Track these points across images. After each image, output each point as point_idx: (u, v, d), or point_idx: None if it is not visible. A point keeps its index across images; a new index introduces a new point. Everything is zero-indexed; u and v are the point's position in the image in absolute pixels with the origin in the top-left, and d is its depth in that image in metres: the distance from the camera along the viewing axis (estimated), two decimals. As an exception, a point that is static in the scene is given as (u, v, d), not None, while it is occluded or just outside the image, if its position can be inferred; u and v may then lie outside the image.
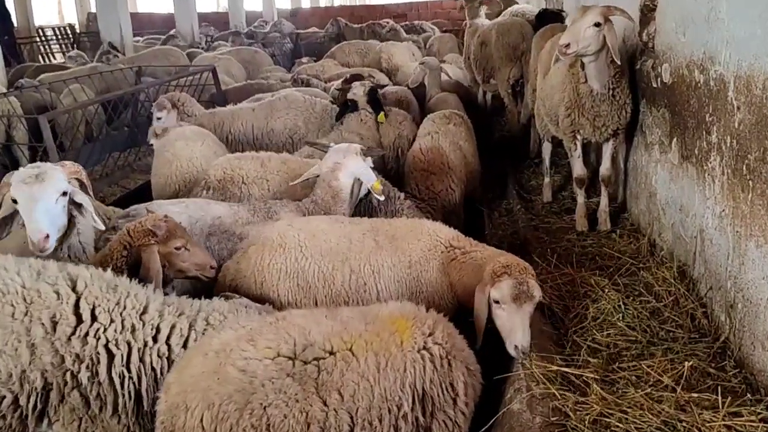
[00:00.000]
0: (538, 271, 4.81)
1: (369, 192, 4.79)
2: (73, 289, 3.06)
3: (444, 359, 2.98)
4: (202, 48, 17.33)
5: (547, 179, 7.02)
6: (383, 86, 8.30)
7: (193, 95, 8.74)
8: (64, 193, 3.71)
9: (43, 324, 2.94)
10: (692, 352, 3.82)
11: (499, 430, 3.24)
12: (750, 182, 3.59)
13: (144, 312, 3.12)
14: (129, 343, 3.04)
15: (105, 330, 3.01)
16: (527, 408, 3.23)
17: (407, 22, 20.09)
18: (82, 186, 3.97)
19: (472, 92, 10.56)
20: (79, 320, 3.01)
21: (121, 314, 3.07)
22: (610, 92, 5.38)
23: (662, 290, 4.45)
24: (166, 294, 3.41)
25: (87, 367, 2.97)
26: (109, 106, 8.47)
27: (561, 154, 7.46)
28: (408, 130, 6.90)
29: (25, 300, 2.96)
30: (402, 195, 5.30)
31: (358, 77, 7.47)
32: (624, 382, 3.51)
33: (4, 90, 9.54)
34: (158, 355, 3.08)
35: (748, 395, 3.42)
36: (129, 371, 3.03)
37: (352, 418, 2.72)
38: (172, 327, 3.12)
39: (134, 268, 3.67)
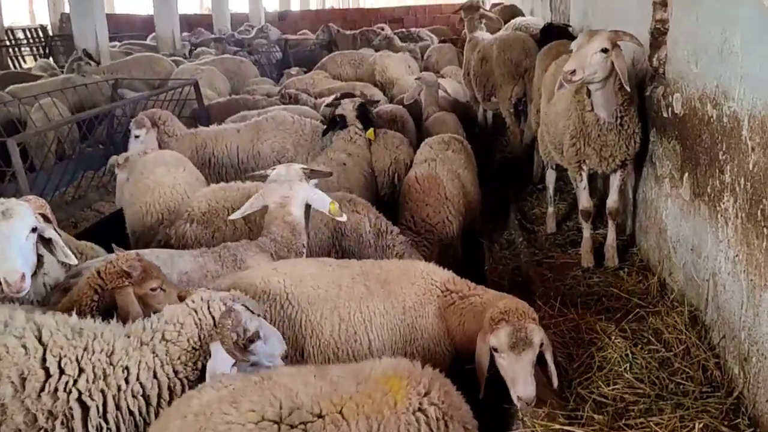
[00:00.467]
0: (541, 315, 4.84)
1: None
2: (40, 341, 3.01)
3: (440, 420, 2.98)
4: (184, 55, 17.38)
5: (551, 209, 7.06)
6: (375, 102, 8.34)
7: (173, 110, 8.78)
8: (34, 229, 3.70)
9: (12, 382, 2.90)
10: (704, 408, 3.86)
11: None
12: (765, 229, 3.64)
13: (112, 353, 3.08)
14: (103, 392, 3.00)
15: (75, 382, 2.98)
16: (528, 471, 3.25)
17: (403, 29, 20.19)
18: (47, 222, 3.93)
19: (472, 110, 10.64)
20: (48, 374, 2.98)
21: (90, 360, 3.03)
22: (618, 121, 5.44)
23: (672, 338, 4.50)
24: None
25: (62, 423, 2.94)
26: (84, 125, 8.46)
27: (566, 180, 7.52)
28: (405, 155, 6.94)
29: None
30: (395, 229, 5.32)
31: (348, 96, 7.52)
32: (631, 442, 3.54)
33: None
34: (133, 396, 3.06)
35: (763, 458, 3.45)
36: (107, 422, 3.00)
37: (342, 486, 2.72)
38: (139, 363, 3.09)
39: (105, 313, 3.64)
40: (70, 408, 2.95)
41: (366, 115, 6.83)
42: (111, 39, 17.21)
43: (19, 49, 21.62)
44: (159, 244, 5.24)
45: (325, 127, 7.06)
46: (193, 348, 3.20)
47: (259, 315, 3.34)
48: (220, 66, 12.81)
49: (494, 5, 20.16)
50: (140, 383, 3.08)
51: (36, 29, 23.07)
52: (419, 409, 2.95)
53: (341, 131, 6.74)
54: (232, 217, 4.68)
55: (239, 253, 4.42)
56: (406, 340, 3.83)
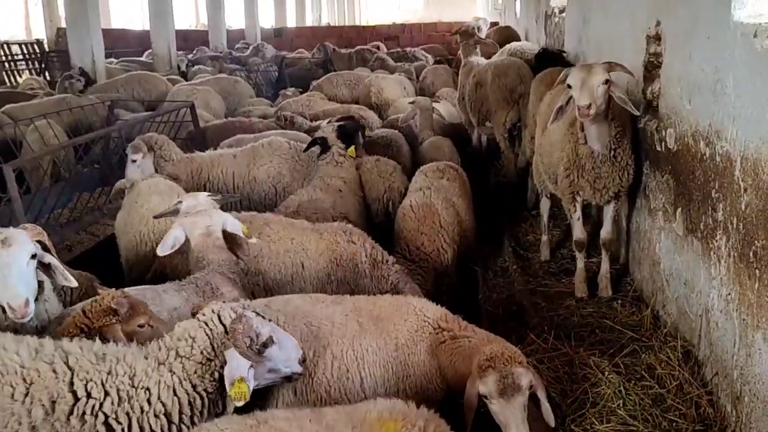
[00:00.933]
0: (534, 349, 4.91)
1: None
2: (67, 366, 3.11)
3: (436, 462, 3.00)
4: (182, 72, 17.41)
5: (545, 237, 7.10)
6: (364, 128, 8.34)
7: (169, 132, 8.80)
8: (33, 256, 3.76)
9: (43, 405, 2.99)
10: (696, 447, 3.88)
11: None
12: (757, 271, 3.67)
13: (134, 375, 3.17)
14: (128, 414, 3.11)
15: (101, 405, 3.07)
16: None
17: (399, 49, 20.28)
18: (45, 249, 3.99)
19: (466, 132, 10.68)
20: (75, 397, 3.06)
21: (115, 384, 3.13)
22: (612, 153, 5.49)
23: (665, 373, 4.52)
24: None
25: None
26: (80, 148, 8.46)
27: (560, 207, 7.54)
28: (398, 182, 6.95)
29: (24, 380, 3.01)
30: (391, 259, 5.28)
31: (349, 119, 7.57)
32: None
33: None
34: (155, 416, 3.15)
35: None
36: None
37: None
38: (158, 383, 3.17)
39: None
40: (97, 431, 3.04)
41: (346, 132, 6.79)
42: (107, 54, 17.20)
43: (15, 64, 21.62)
44: (155, 274, 5.25)
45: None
46: (208, 359, 3.24)
47: (270, 320, 3.38)
48: (215, 86, 12.82)
49: (493, 24, 20.35)
50: (161, 402, 3.15)
51: (32, 44, 23.08)
52: (414, 453, 2.96)
53: (326, 155, 6.71)
54: (160, 253, 4.68)
55: (213, 282, 4.43)
56: (399, 378, 3.83)
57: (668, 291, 5.20)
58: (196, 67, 17.66)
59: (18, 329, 3.62)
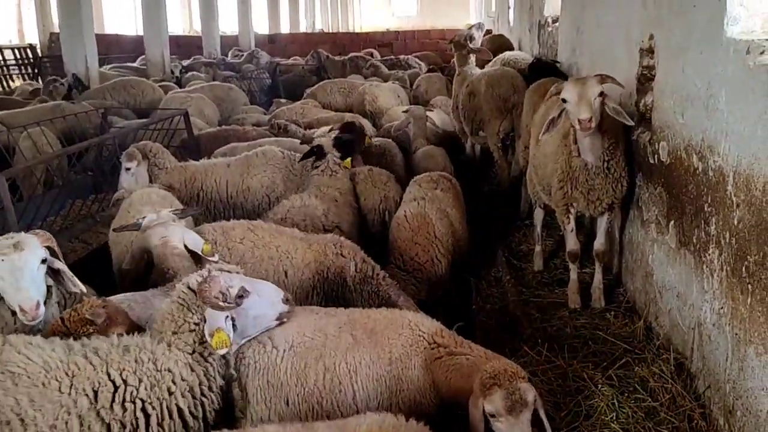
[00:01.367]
0: (528, 361, 4.91)
1: None
2: (101, 358, 3.31)
3: (427, 478, 3.00)
4: (176, 77, 17.39)
5: (538, 247, 7.11)
6: (365, 136, 8.35)
7: (163, 140, 8.79)
8: (44, 261, 3.89)
9: (87, 395, 3.19)
10: (689, 461, 3.89)
11: None
12: (749, 286, 3.69)
13: (156, 359, 3.37)
14: (159, 400, 3.32)
15: (137, 391, 3.29)
16: None
17: (392, 56, 20.32)
18: (54, 255, 4.10)
19: (460, 142, 10.70)
20: (115, 385, 3.26)
21: (143, 371, 3.33)
22: (605, 165, 5.51)
23: (658, 386, 4.53)
24: None
25: None
26: (74, 156, 8.45)
27: (553, 216, 7.54)
28: (394, 191, 6.95)
29: (67, 374, 3.20)
30: (382, 274, 5.23)
31: (350, 126, 7.58)
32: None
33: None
34: (182, 395, 3.38)
35: None
36: (163, 429, 3.33)
37: None
38: (177, 362, 3.39)
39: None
40: (136, 417, 3.28)
41: (343, 143, 6.79)
42: (100, 60, 17.17)
43: (8, 69, 21.58)
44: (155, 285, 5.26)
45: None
46: (195, 324, 3.43)
47: (239, 273, 3.61)
48: (209, 93, 12.82)
49: (486, 32, 20.40)
50: (183, 379, 3.38)
51: (25, 49, 23.04)
52: (407, 468, 2.96)
53: (320, 163, 6.70)
54: (125, 266, 4.98)
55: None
56: (392, 391, 3.82)
57: (661, 303, 5.22)
58: (190, 73, 17.66)
59: (26, 333, 3.71)
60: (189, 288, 3.48)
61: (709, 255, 4.27)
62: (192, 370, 3.40)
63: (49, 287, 3.97)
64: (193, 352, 3.42)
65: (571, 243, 6.04)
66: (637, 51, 5.75)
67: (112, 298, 4.31)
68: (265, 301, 3.63)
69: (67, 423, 3.12)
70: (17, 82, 21.17)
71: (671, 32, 4.99)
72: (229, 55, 22.67)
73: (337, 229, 6.15)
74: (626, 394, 4.50)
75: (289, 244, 5.20)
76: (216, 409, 3.55)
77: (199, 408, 3.44)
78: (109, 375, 3.26)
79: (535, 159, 6.48)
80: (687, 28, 4.67)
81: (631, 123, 5.33)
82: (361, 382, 3.80)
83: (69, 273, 4.06)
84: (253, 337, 3.80)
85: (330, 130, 8.13)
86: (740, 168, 3.80)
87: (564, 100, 5.24)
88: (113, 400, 3.22)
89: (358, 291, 5.09)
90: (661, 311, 5.22)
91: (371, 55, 19.41)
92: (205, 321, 3.40)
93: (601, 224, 5.93)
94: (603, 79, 5.30)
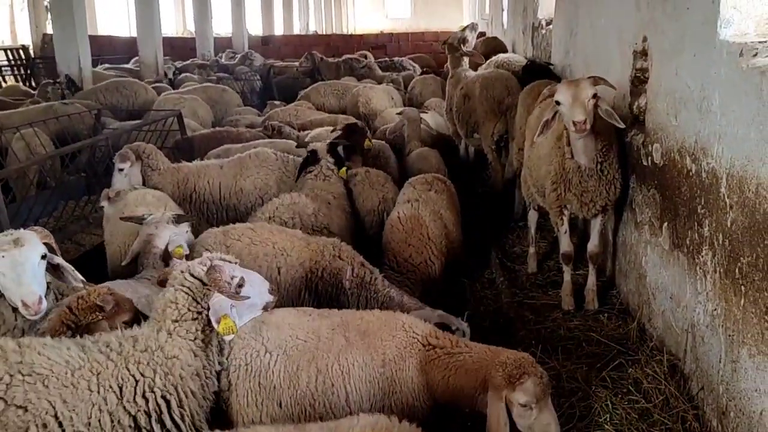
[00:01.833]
0: (522, 363, 4.90)
1: None
2: (117, 354, 3.37)
3: (420, 479, 3.00)
4: (169, 79, 17.35)
5: (532, 249, 7.12)
6: (366, 138, 8.33)
7: (156, 141, 8.77)
8: (43, 256, 3.94)
9: (114, 391, 3.27)
10: (683, 462, 3.90)
11: None
12: (742, 287, 3.70)
13: (162, 347, 3.43)
14: (174, 386, 3.40)
15: (153, 382, 3.36)
16: None
17: (386, 58, 20.33)
18: (52, 251, 4.14)
19: (454, 144, 10.71)
20: (135, 379, 3.34)
21: (155, 361, 3.39)
22: (598, 167, 5.51)
23: (652, 387, 4.54)
24: None
25: (156, 421, 3.35)
26: (68, 158, 8.42)
27: (547, 218, 7.55)
28: (391, 192, 6.96)
29: (92, 372, 3.26)
30: (380, 279, 5.18)
31: (352, 126, 7.59)
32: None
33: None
34: (191, 378, 3.46)
35: None
36: (184, 409, 3.43)
37: None
38: (181, 348, 3.44)
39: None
40: (158, 405, 3.36)
41: (338, 152, 6.81)
42: (93, 61, 17.13)
43: (0, 70, 21.48)
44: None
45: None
46: (198, 313, 3.49)
47: (235, 263, 3.70)
48: (202, 94, 12.80)
49: (480, 34, 20.42)
50: (189, 365, 3.44)
51: (18, 50, 22.94)
52: (400, 469, 2.96)
53: (314, 168, 6.71)
54: (125, 262, 5.35)
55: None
56: (385, 393, 3.82)
57: (654, 305, 5.23)
58: (183, 75, 17.62)
59: (25, 330, 3.88)
60: (193, 276, 3.52)
61: (702, 257, 4.28)
62: (195, 355, 3.48)
63: (48, 283, 4.01)
64: (195, 339, 3.48)
65: (565, 245, 6.05)
66: (630, 53, 5.76)
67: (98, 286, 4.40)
68: (257, 290, 3.70)
69: (99, 420, 3.20)
70: (10, 83, 21.10)
71: (665, 34, 5.01)
72: (223, 56, 22.61)
73: (325, 230, 6.14)
74: (620, 396, 4.51)
75: (286, 242, 5.21)
76: (215, 391, 3.64)
77: (206, 389, 3.54)
78: (129, 370, 3.33)
79: (529, 161, 6.49)
80: (680, 30, 4.68)
81: (623, 125, 5.33)
82: (354, 383, 3.79)
83: (69, 267, 4.13)
84: (245, 339, 3.81)
85: (333, 131, 8.12)
86: (733, 170, 3.82)
87: (558, 103, 5.25)
88: (135, 394, 3.31)
89: (354, 295, 5.07)
90: (654, 313, 5.23)
91: (365, 57, 19.38)
92: (208, 309, 3.47)
93: (595, 226, 5.93)
94: (596, 81, 5.31)
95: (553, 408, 3.53)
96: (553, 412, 3.51)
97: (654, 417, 4.30)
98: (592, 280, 6.02)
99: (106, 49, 24.46)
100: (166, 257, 5.04)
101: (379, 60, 19.58)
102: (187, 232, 5.33)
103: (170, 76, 17.80)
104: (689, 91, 4.48)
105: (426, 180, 6.72)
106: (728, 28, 4.00)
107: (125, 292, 4.46)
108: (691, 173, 4.45)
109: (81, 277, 4.18)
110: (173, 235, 5.15)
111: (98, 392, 3.23)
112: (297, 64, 18.80)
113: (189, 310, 3.48)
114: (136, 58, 19.83)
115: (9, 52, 22.39)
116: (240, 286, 3.55)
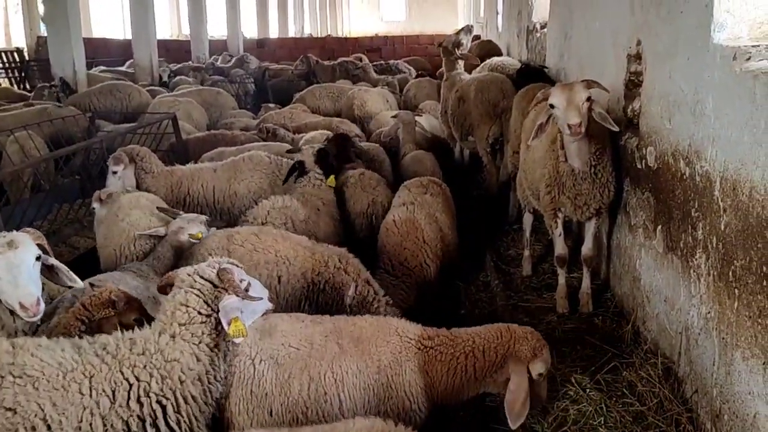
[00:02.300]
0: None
1: None
2: (112, 356, 3.34)
3: (416, 483, 3.00)
4: (165, 82, 17.32)
5: (527, 252, 7.13)
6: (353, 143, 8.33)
7: (150, 144, 8.75)
8: (38, 258, 3.92)
9: (107, 395, 3.23)
10: (677, 465, 3.90)
11: None
12: (736, 290, 3.71)
13: (162, 350, 3.38)
14: (172, 390, 3.35)
15: (149, 386, 3.31)
16: None
17: (382, 61, 20.34)
18: (45, 253, 4.12)
19: (449, 146, 10.71)
20: (129, 383, 3.29)
21: (153, 364, 3.35)
22: (592, 170, 5.52)
23: (646, 390, 4.54)
24: None
25: (150, 425, 3.31)
26: (62, 160, 8.40)
27: (542, 221, 7.55)
28: (382, 196, 6.95)
29: (84, 375, 3.22)
30: (386, 300, 5.07)
31: (344, 137, 7.58)
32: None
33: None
34: (192, 383, 3.40)
35: None
36: (181, 415, 3.37)
37: None
38: (182, 352, 3.39)
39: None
40: (153, 410, 3.31)
41: (326, 161, 6.78)
42: (88, 64, 17.07)
43: (-6, 73, 21.46)
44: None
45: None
46: (207, 316, 3.46)
47: (240, 267, 3.69)
48: (197, 97, 12.78)
49: (475, 38, 20.46)
50: (190, 369, 3.39)
51: (12, 52, 22.89)
52: (395, 473, 2.96)
53: (302, 178, 6.68)
54: (138, 233, 5.61)
55: (142, 270, 5.16)
56: (380, 400, 3.81)
57: (648, 308, 5.24)
58: (178, 77, 17.59)
59: (26, 332, 3.87)
60: (203, 278, 3.50)
61: (696, 260, 4.29)
62: (198, 359, 3.43)
63: (43, 285, 3.99)
64: (200, 342, 3.44)
65: (559, 248, 6.06)
66: (624, 57, 5.78)
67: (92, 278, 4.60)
68: (259, 294, 3.67)
69: (91, 424, 3.16)
70: (4, 85, 21.03)
71: (659, 38, 5.02)
72: (219, 59, 22.60)
73: (313, 237, 6.10)
74: (614, 399, 4.52)
75: (289, 250, 5.13)
76: (218, 398, 3.60)
77: (208, 395, 3.48)
78: (122, 374, 3.29)
79: (524, 164, 6.49)
80: (674, 34, 4.70)
81: (617, 128, 5.34)
82: (347, 391, 3.78)
83: (64, 268, 4.10)
84: (238, 346, 3.79)
85: (325, 140, 8.10)
86: (727, 173, 3.83)
87: (552, 106, 5.25)
88: (129, 398, 3.27)
89: (355, 312, 4.92)
90: (648, 316, 5.24)
91: (360, 60, 19.39)
92: (217, 312, 3.45)
93: (589, 229, 5.94)
94: (589, 84, 5.32)
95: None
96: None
97: (648, 420, 4.31)
98: (586, 283, 6.03)
99: (100, 52, 24.42)
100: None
101: (375, 63, 19.58)
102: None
103: (165, 78, 17.76)
104: (683, 95, 4.49)
105: (421, 183, 6.72)
106: (722, 32, 4.02)
107: (117, 283, 4.59)
108: (684, 176, 4.46)
109: (77, 278, 4.16)
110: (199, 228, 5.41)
111: (90, 395, 3.19)
112: (292, 67, 18.79)
113: (199, 313, 3.45)
114: (131, 60, 19.77)
115: (3, 55, 22.35)
116: (246, 289, 3.56)
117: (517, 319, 5.95)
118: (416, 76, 16.24)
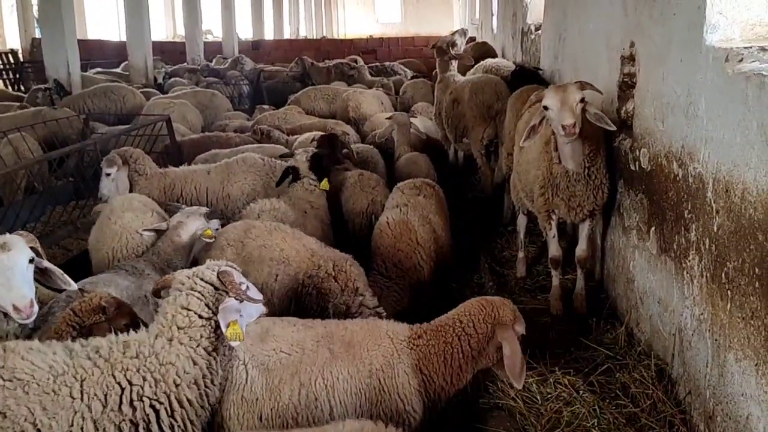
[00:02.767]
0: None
1: None
2: (104, 359, 3.30)
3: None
4: (159, 84, 17.28)
5: (521, 254, 7.12)
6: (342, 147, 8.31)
7: (144, 146, 8.73)
8: (31, 260, 3.90)
9: (99, 399, 3.19)
10: (670, 467, 3.90)
11: None
12: (729, 292, 3.71)
13: (157, 353, 3.35)
14: (166, 393, 3.32)
15: (142, 390, 3.28)
16: None
17: (377, 63, 20.33)
18: (38, 256, 4.11)
19: (444, 148, 10.71)
20: (121, 387, 3.25)
21: (147, 367, 3.32)
22: (585, 171, 5.52)
23: (640, 392, 4.54)
24: None
25: (143, 429, 3.27)
26: (55, 162, 8.37)
27: (536, 222, 7.55)
28: (381, 196, 6.96)
29: (75, 378, 3.19)
30: (374, 308, 4.98)
31: (333, 137, 7.58)
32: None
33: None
34: (188, 386, 3.36)
35: None
36: (175, 420, 3.33)
37: None
38: (178, 356, 3.35)
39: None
40: (146, 414, 3.27)
41: (319, 165, 6.77)
42: (83, 66, 17.03)
43: (-12, 74, 21.37)
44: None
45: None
46: (207, 319, 3.43)
47: (237, 270, 3.67)
48: (192, 99, 12.74)
49: (470, 39, 20.48)
50: (187, 372, 3.36)
51: (6, 54, 22.82)
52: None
53: (296, 183, 6.66)
54: (142, 230, 5.56)
55: (138, 267, 5.10)
56: (372, 404, 3.79)
57: (642, 309, 5.24)
58: (173, 79, 17.56)
59: (18, 335, 3.84)
60: (203, 281, 3.47)
61: (689, 261, 4.29)
62: (195, 363, 3.39)
63: (36, 288, 3.97)
64: (197, 346, 3.40)
65: (553, 249, 6.06)
66: (618, 58, 5.78)
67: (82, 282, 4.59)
68: (255, 297, 3.67)
69: (82, 428, 3.13)
70: (-1, 86, 20.99)
71: (652, 40, 5.03)
72: (213, 61, 22.57)
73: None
74: (608, 400, 4.51)
75: (292, 251, 5.15)
76: (213, 402, 3.56)
77: (205, 398, 3.45)
78: (115, 377, 3.26)
79: (519, 166, 6.49)
80: (667, 35, 4.70)
81: (613, 128, 5.34)
82: (338, 396, 3.76)
83: (58, 271, 4.10)
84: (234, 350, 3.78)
85: (312, 141, 8.10)
86: (720, 175, 3.83)
87: (545, 108, 5.24)
88: (121, 402, 3.23)
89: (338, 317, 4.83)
90: (642, 317, 5.24)
91: (355, 61, 19.38)
92: (215, 314, 3.43)
93: (583, 230, 5.94)
94: (583, 86, 5.31)
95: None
96: None
97: (642, 421, 4.31)
98: (580, 284, 6.02)
99: (96, 54, 24.37)
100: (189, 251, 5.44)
101: (371, 65, 19.58)
102: (216, 229, 5.49)
103: (160, 80, 17.73)
104: (676, 96, 4.49)
105: (414, 185, 6.70)
106: (714, 34, 4.02)
107: (108, 286, 4.61)
108: (678, 178, 4.46)
109: (71, 280, 4.15)
110: (202, 226, 5.44)
111: (81, 399, 3.15)
112: (287, 68, 18.78)
113: (200, 316, 3.42)
114: (126, 62, 19.73)
115: (-2, 56, 22.29)
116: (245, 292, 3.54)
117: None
118: (412, 78, 16.24)
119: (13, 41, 28.37)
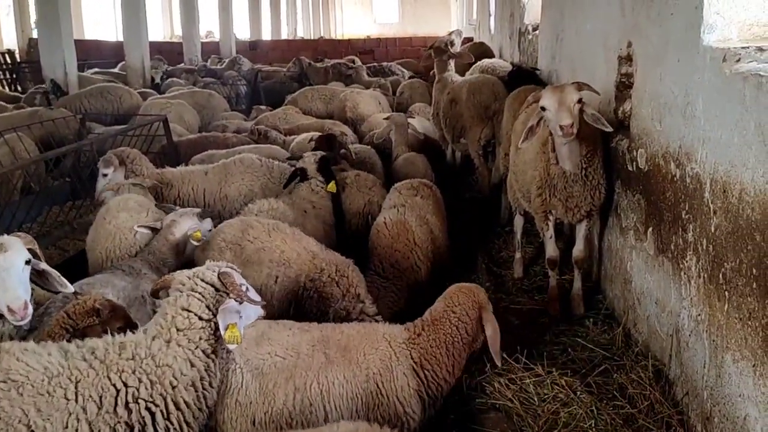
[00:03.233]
0: (507, 368, 4.92)
1: None
2: (100, 361, 3.27)
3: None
4: (157, 84, 17.25)
5: (518, 254, 7.11)
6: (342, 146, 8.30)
7: (141, 146, 8.71)
8: (28, 262, 3.90)
9: (94, 401, 3.16)
10: (667, 468, 3.89)
11: None
12: (726, 293, 3.70)
13: (154, 355, 3.32)
14: (162, 396, 3.28)
15: (138, 392, 3.25)
16: None
17: (375, 64, 20.33)
18: (36, 257, 4.09)
19: (441, 148, 10.70)
20: (116, 389, 3.22)
21: (143, 369, 3.28)
22: (583, 172, 5.51)
23: (637, 393, 4.53)
24: None
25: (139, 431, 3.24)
26: (51, 162, 8.35)
27: (533, 223, 7.53)
28: (378, 196, 6.95)
29: (70, 380, 3.16)
30: (373, 315, 4.94)
31: (331, 137, 7.56)
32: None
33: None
34: (185, 388, 3.33)
35: None
36: (171, 422, 3.30)
37: None
38: (175, 358, 3.32)
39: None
40: (142, 416, 3.24)
41: (327, 168, 6.78)
42: (80, 66, 16.99)
43: (-15, 74, 21.32)
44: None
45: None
46: (207, 321, 3.40)
47: (238, 271, 3.63)
48: (189, 99, 12.72)
49: (468, 39, 20.48)
50: (183, 374, 3.32)
51: (3, 54, 22.78)
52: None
53: (302, 183, 6.65)
54: (137, 225, 5.58)
55: (135, 267, 5.13)
56: (369, 408, 3.77)
57: (639, 310, 5.23)
58: (170, 79, 17.53)
59: (13, 336, 3.82)
60: (204, 282, 3.45)
61: (686, 262, 4.28)
62: (192, 365, 3.36)
63: (32, 290, 3.96)
64: (196, 348, 3.37)
65: (551, 250, 6.05)
66: (615, 58, 5.77)
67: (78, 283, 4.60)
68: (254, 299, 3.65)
69: (77, 430, 3.11)
70: None
71: (649, 40, 5.02)
72: (209, 61, 22.54)
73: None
74: (605, 401, 4.50)
75: (293, 253, 5.11)
76: (211, 405, 3.53)
77: (202, 401, 3.42)
78: (110, 379, 3.23)
79: (515, 166, 6.48)
80: (664, 36, 4.69)
81: (610, 129, 5.33)
82: (333, 401, 3.74)
83: (55, 273, 4.08)
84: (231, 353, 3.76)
85: (309, 141, 8.09)
86: (717, 175, 3.82)
87: (543, 108, 5.23)
88: (116, 404, 3.20)
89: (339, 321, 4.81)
90: (639, 318, 5.23)
91: (353, 62, 19.37)
92: (215, 316, 3.40)
93: (580, 231, 5.93)
94: (580, 86, 5.31)
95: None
96: None
97: (639, 422, 4.30)
98: (577, 285, 6.01)
99: (93, 54, 24.33)
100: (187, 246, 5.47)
101: (369, 65, 19.57)
102: (210, 230, 5.50)
103: (158, 80, 17.70)
104: (673, 97, 4.49)
105: (412, 185, 6.69)
106: (711, 34, 4.01)
107: (105, 287, 4.62)
108: (675, 178, 4.45)
109: (67, 282, 4.13)
110: (194, 226, 5.49)
111: (76, 401, 3.12)
112: (285, 69, 18.76)
113: (200, 318, 3.38)
114: (123, 62, 19.70)
115: (-5, 57, 22.25)
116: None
117: (509, 321, 5.95)
118: (409, 78, 16.23)
119: (10, 41, 28.32)
